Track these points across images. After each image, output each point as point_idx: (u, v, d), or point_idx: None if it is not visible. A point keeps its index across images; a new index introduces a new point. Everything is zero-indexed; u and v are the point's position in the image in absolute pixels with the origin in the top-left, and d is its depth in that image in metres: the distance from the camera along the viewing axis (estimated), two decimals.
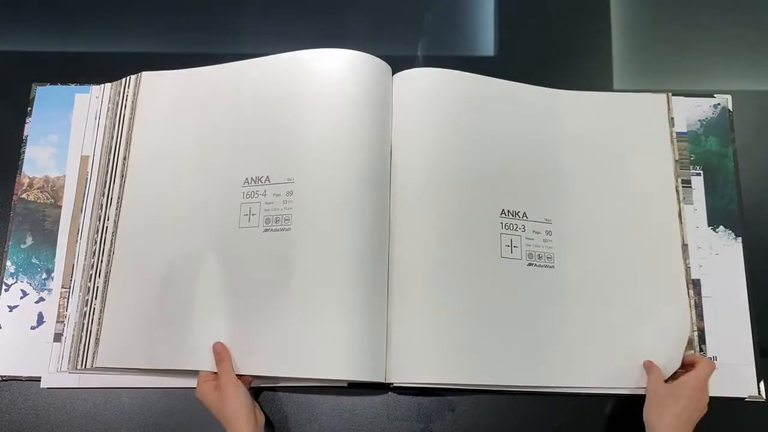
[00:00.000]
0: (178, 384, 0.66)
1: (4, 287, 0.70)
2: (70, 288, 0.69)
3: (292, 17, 0.82)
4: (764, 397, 0.67)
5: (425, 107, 0.70)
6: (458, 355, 0.63)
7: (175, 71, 0.74)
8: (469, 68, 0.72)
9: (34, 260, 0.71)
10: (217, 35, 0.81)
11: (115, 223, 0.70)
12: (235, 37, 0.81)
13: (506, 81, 0.74)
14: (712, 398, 0.61)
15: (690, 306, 0.68)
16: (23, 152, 0.75)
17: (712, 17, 0.82)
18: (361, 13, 0.82)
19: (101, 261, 0.69)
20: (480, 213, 0.68)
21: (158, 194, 0.70)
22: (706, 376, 0.61)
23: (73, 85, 0.77)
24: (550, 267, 0.68)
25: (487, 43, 0.81)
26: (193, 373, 0.63)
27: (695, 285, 0.70)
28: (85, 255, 0.70)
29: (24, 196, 0.73)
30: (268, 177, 0.67)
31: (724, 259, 0.71)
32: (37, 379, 0.67)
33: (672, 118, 0.75)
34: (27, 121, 0.76)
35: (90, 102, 0.76)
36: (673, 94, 0.76)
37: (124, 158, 0.72)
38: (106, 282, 0.68)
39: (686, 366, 0.63)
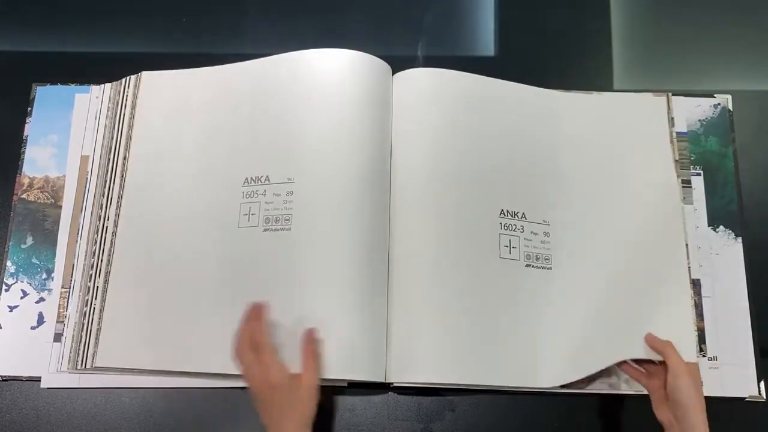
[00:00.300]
0: (178, 384, 0.66)
1: (4, 287, 0.70)
2: (70, 288, 0.69)
3: (292, 17, 0.82)
4: (764, 397, 0.67)
5: (425, 107, 0.70)
6: (458, 355, 0.63)
7: (175, 71, 0.75)
8: (469, 68, 0.72)
9: (34, 260, 0.71)
10: (217, 35, 0.81)
11: (115, 223, 0.70)
12: (236, 37, 0.81)
13: (506, 81, 0.74)
14: (712, 398, 0.61)
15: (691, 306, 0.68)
16: (23, 152, 0.75)
17: (712, 17, 0.82)
18: (361, 13, 0.82)
19: (101, 261, 0.69)
20: (480, 213, 0.68)
21: (158, 194, 0.70)
22: (688, 379, 0.57)
23: (73, 85, 0.77)
24: (548, 268, 0.68)
25: (487, 43, 0.81)
26: (193, 374, 0.63)
27: (695, 285, 0.70)
28: (85, 255, 0.70)
29: (24, 196, 0.73)
30: (268, 177, 0.67)
31: (724, 259, 0.71)
32: (37, 379, 0.67)
33: (672, 118, 0.75)
34: (27, 121, 0.76)
35: (90, 102, 0.76)
36: (673, 94, 0.76)
37: (124, 158, 0.72)
38: (106, 282, 0.68)
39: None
